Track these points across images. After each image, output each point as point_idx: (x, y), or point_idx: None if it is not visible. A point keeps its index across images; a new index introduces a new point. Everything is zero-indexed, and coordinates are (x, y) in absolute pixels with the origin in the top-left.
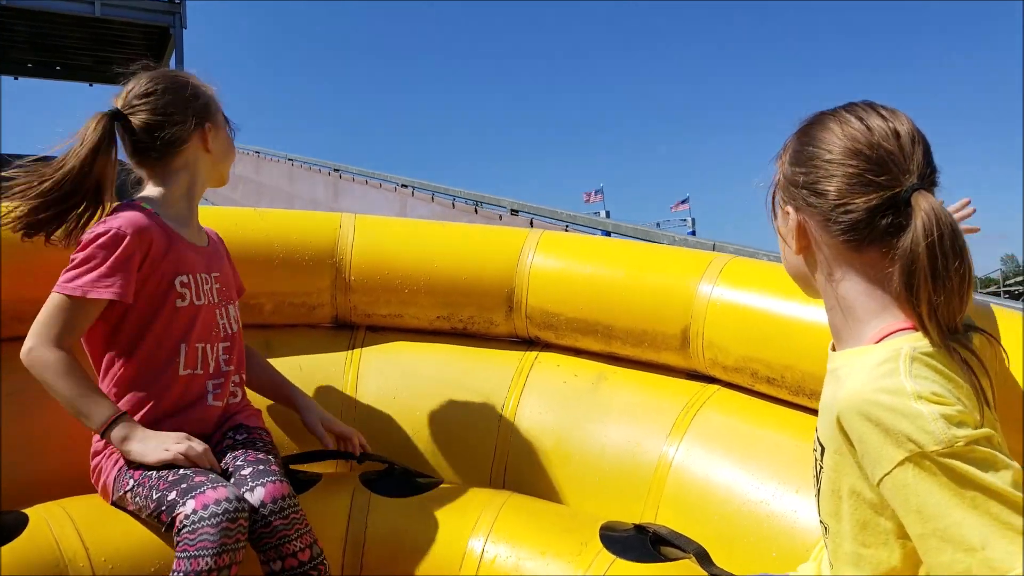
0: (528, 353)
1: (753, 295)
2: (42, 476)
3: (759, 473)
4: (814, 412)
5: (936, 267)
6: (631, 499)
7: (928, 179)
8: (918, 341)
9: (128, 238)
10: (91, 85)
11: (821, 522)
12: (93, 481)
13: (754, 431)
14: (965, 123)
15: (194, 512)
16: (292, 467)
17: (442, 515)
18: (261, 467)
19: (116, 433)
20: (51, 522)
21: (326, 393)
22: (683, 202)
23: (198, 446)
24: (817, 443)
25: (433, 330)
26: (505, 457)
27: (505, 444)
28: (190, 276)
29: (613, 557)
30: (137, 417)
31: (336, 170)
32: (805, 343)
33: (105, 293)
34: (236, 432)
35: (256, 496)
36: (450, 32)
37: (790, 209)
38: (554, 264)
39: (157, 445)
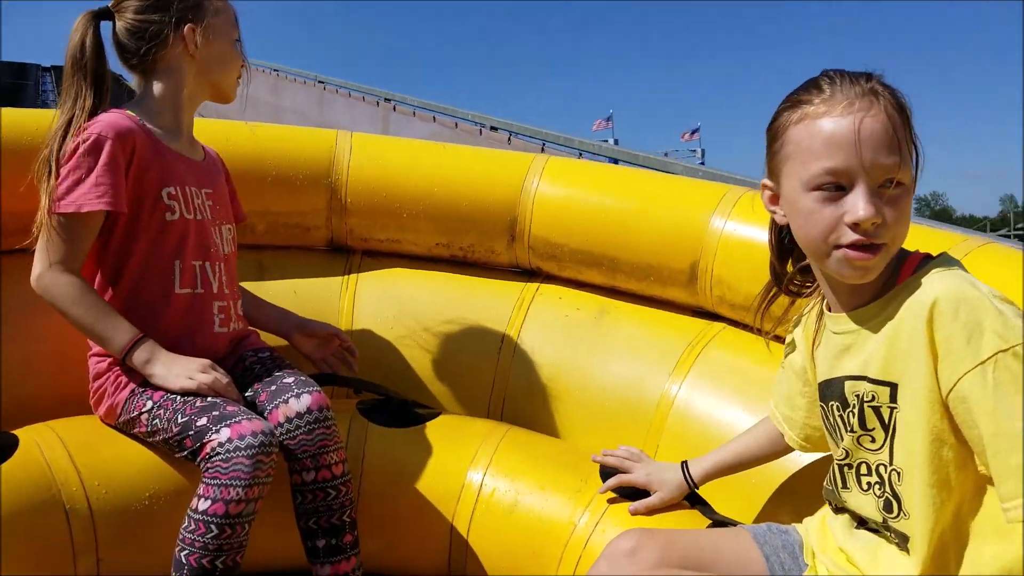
0: (529, 284)
1: (767, 231)
2: (32, 396)
3: (761, 411)
4: None
5: None
6: (631, 436)
7: None
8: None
9: (109, 142)
10: None
11: (874, 478)
12: (92, 403)
13: (759, 371)
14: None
15: (229, 440)
16: None
17: (440, 446)
18: (303, 377)
19: (138, 356)
20: (42, 444)
21: (321, 318)
22: (694, 132)
23: (223, 378)
24: (859, 398)
25: (432, 257)
26: (504, 389)
27: (504, 376)
28: (178, 188)
29: (613, 495)
30: None
31: (320, 82)
32: None
33: (98, 204)
34: (258, 351)
35: (303, 403)
36: None
37: (765, 181)
38: (560, 192)
39: (181, 371)
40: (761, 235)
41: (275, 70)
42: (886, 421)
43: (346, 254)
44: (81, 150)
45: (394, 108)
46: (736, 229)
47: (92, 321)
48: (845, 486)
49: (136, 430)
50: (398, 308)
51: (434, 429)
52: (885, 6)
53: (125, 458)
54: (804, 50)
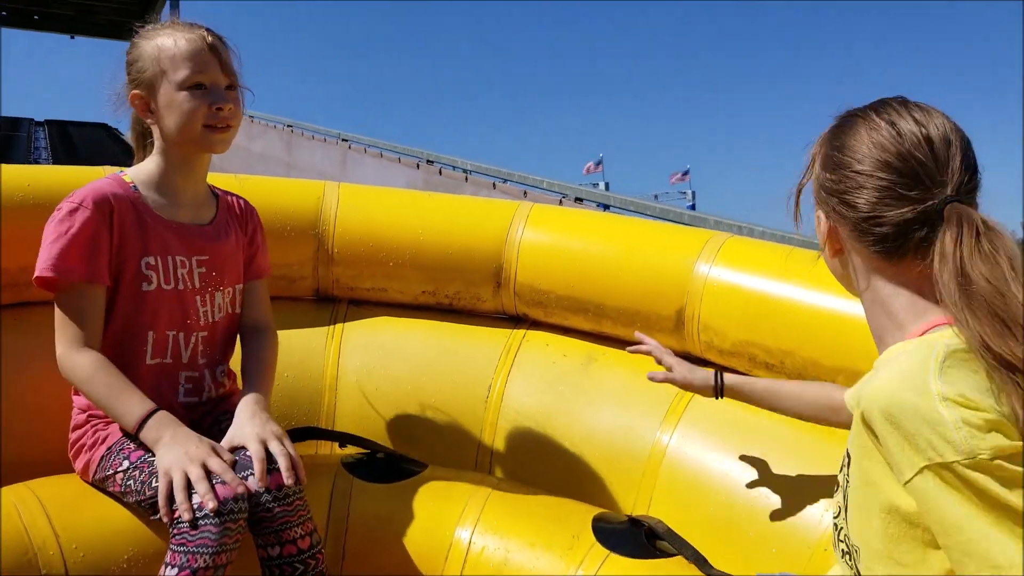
0: (516, 331)
1: (752, 276)
2: (14, 454)
3: (758, 464)
4: None
5: (964, 284)
6: (623, 488)
7: (965, 188)
8: (950, 336)
9: (88, 212)
10: (72, 37)
11: (845, 547)
12: (71, 456)
13: (751, 419)
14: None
15: (198, 508)
16: None
17: (427, 503)
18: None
19: (146, 435)
20: (20, 506)
21: (307, 370)
22: (684, 174)
23: (219, 467)
24: (845, 455)
25: (418, 305)
26: (492, 440)
27: (492, 427)
28: (158, 258)
29: (607, 552)
30: None
31: (345, 140)
32: (807, 328)
33: (71, 275)
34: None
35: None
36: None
37: (821, 214)
38: (544, 239)
39: (175, 460)
40: (747, 280)
41: (250, 116)
42: (844, 490)
43: (332, 304)
44: (57, 219)
45: (365, 150)
46: (721, 274)
47: (106, 400)
48: (836, 546)
49: (111, 488)
50: (384, 358)
51: (421, 484)
52: (873, 49)
53: (104, 519)
54: (793, 90)
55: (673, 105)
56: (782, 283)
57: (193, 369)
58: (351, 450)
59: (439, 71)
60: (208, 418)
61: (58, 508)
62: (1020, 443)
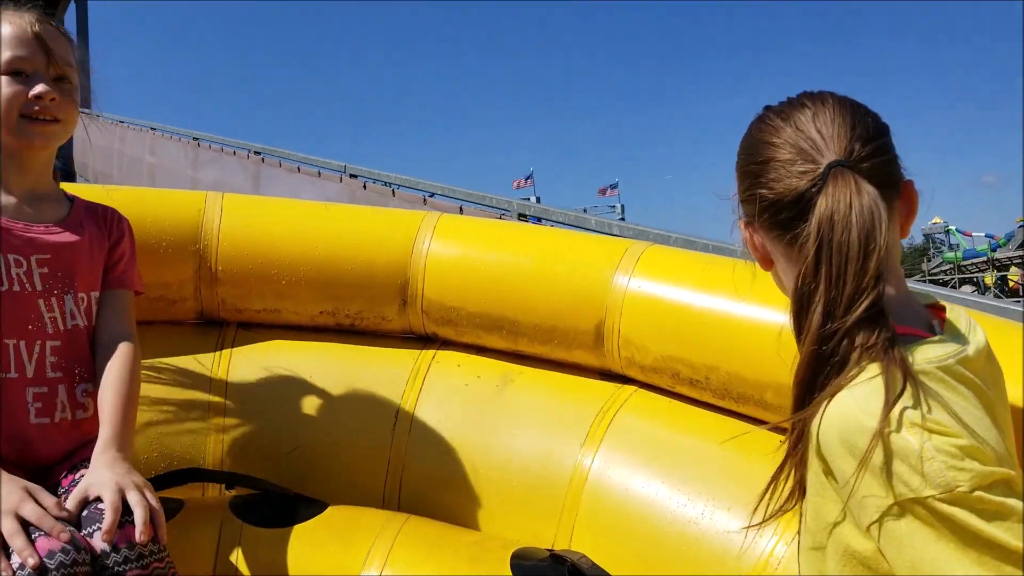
0: (425, 351)
1: (673, 288)
2: None
3: (685, 487)
4: (741, 416)
5: (820, 256)
6: (544, 518)
7: (857, 156)
8: (926, 352)
9: None
10: None
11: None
12: None
13: (677, 439)
14: None
15: (21, 568)
16: None
17: (329, 546)
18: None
19: None
20: None
21: (189, 402)
22: (613, 187)
23: (36, 521)
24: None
25: (316, 327)
26: (400, 472)
27: (400, 457)
28: None
29: None
30: None
31: (196, 139)
32: (732, 341)
33: None
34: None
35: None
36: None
37: (741, 224)
38: (453, 252)
39: None
40: (668, 291)
41: (152, 128)
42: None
43: (218, 327)
44: None
45: (280, 164)
46: (641, 286)
47: None
48: None
49: None
50: (278, 385)
51: (321, 525)
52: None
53: None
54: (727, 100)
55: (600, 118)
56: (704, 294)
57: (41, 384)
58: (241, 491)
59: (361, 84)
60: (69, 463)
61: None
62: (999, 469)
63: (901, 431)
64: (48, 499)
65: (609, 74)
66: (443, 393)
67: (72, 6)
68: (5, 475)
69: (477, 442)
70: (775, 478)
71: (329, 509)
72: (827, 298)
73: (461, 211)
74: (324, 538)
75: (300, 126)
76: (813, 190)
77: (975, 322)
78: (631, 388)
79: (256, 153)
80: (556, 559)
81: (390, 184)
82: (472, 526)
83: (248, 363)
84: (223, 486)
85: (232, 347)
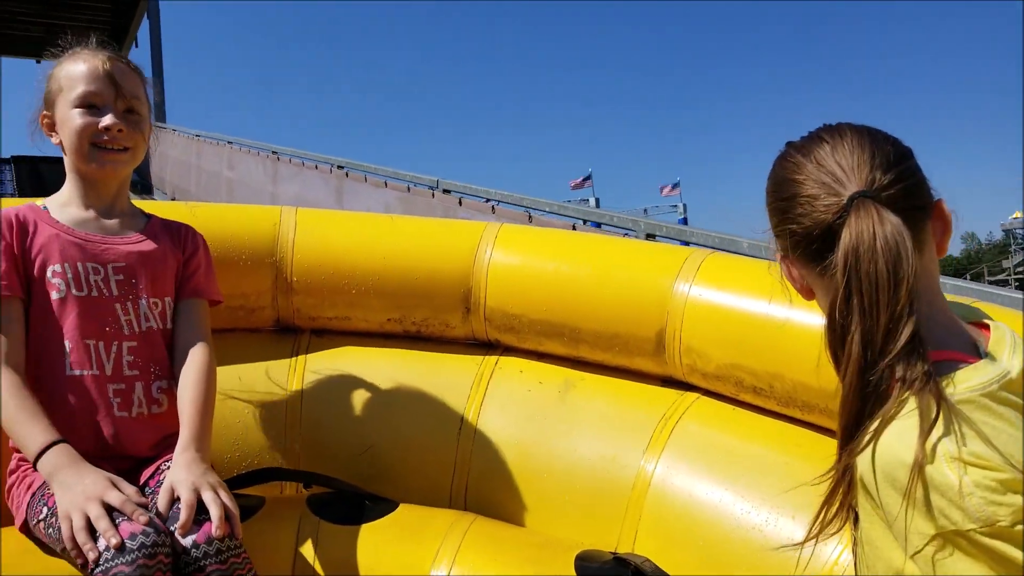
0: (488, 357)
1: (735, 295)
2: None
3: (749, 495)
4: (807, 425)
5: (851, 288)
6: (607, 522)
7: (879, 186)
8: (968, 379)
9: None
10: (39, 62)
11: None
12: (7, 502)
13: (741, 446)
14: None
15: (107, 548)
16: (234, 492)
17: (399, 543)
18: (200, 501)
19: (43, 466)
20: None
21: (268, 405)
22: (674, 186)
23: (119, 506)
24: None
25: (384, 333)
26: (466, 474)
27: (465, 460)
28: (66, 265)
29: None
30: None
31: (275, 152)
32: (796, 349)
33: None
34: (171, 461)
35: (190, 535)
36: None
37: (779, 259)
38: (514, 260)
39: (71, 501)
40: (729, 299)
41: (229, 142)
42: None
43: (294, 334)
44: None
45: (365, 179)
46: (702, 293)
47: (9, 423)
48: None
49: (39, 536)
50: (349, 389)
51: (392, 523)
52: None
53: (50, 573)
54: (785, 99)
55: (663, 117)
56: (766, 301)
57: (119, 381)
58: (317, 490)
59: (406, 88)
60: (157, 459)
61: (3, 562)
62: None
63: (940, 466)
64: (129, 488)
65: (670, 67)
66: (506, 398)
67: (146, 23)
68: (90, 466)
69: (540, 446)
70: (826, 503)
71: (400, 508)
72: (863, 327)
73: (530, 219)
74: (395, 536)
75: (370, 140)
76: (838, 222)
77: (1020, 338)
78: (693, 395)
79: (339, 167)
80: (620, 562)
81: (463, 195)
82: (536, 528)
83: (321, 368)
84: (301, 485)
85: (306, 353)
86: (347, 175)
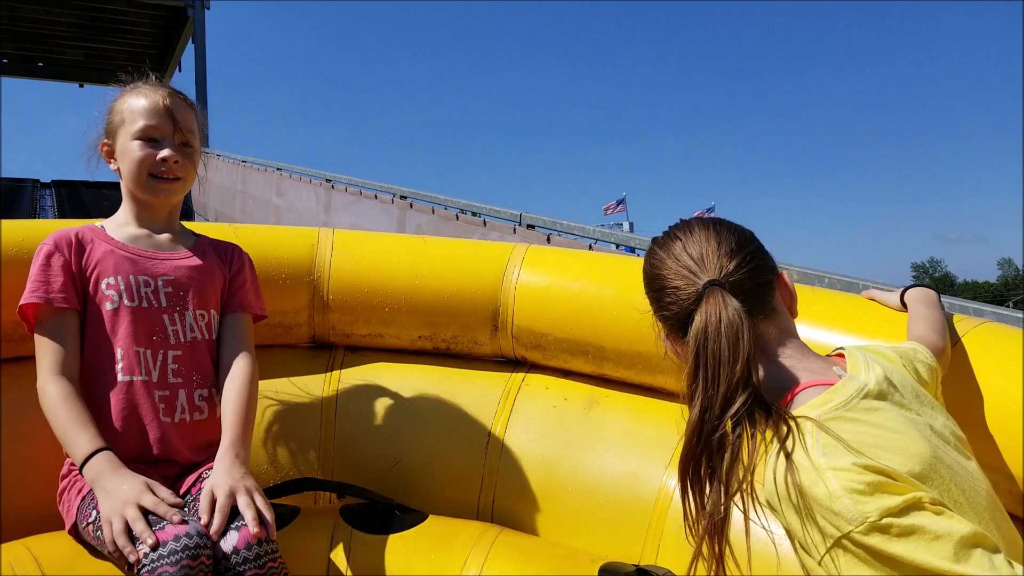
0: (515, 374)
1: None
2: (6, 514)
3: (770, 510)
4: None
5: (698, 363)
6: (630, 536)
7: (728, 273)
8: (829, 400)
9: (46, 249)
10: (81, 86)
11: None
12: (59, 506)
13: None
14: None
15: (152, 550)
16: (270, 501)
17: (429, 553)
18: (237, 508)
19: (87, 472)
20: (15, 565)
21: (303, 418)
22: (708, 211)
23: (152, 508)
24: None
25: (415, 350)
26: (493, 488)
27: (493, 474)
28: (119, 278)
29: None
30: None
31: (328, 180)
32: None
33: (30, 298)
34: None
35: (229, 541)
36: (450, 34)
37: (662, 335)
38: (541, 280)
39: (111, 506)
40: None
41: (278, 168)
42: None
43: (328, 350)
44: (34, 259)
45: (411, 205)
46: None
47: (61, 433)
48: None
49: (88, 540)
50: (381, 404)
51: (421, 534)
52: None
53: None
54: (820, 118)
55: (698, 140)
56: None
57: (164, 388)
58: (350, 500)
59: (439, 114)
60: (199, 466)
61: (52, 567)
62: (910, 494)
63: (813, 478)
64: (164, 491)
65: (702, 89)
66: (532, 414)
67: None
68: (130, 473)
69: (565, 461)
70: (694, 558)
71: (429, 519)
72: (703, 398)
73: (549, 240)
74: (424, 545)
75: (374, 159)
76: (695, 307)
77: (870, 357)
78: None
79: (402, 197)
80: (643, 574)
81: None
82: (561, 541)
83: (355, 383)
84: (334, 495)
85: (341, 368)
86: (411, 206)
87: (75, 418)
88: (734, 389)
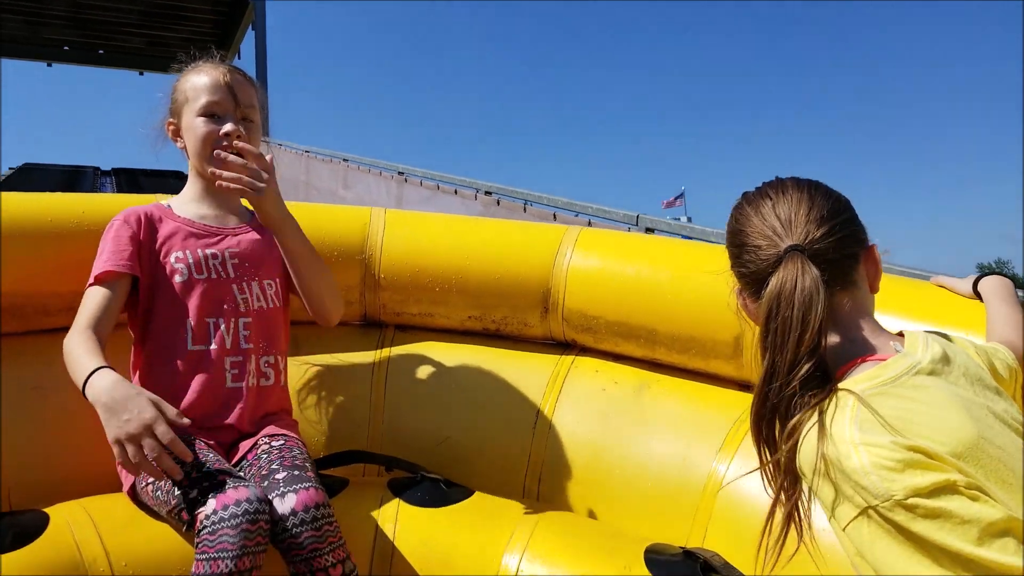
0: (564, 357)
1: None
2: (66, 473)
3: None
4: None
5: (768, 327)
6: (677, 520)
7: (812, 239)
8: (877, 375)
9: (118, 223)
10: (141, 73)
11: None
12: (118, 467)
13: None
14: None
15: (214, 512)
16: (321, 472)
17: (475, 528)
18: (296, 472)
19: (89, 395)
20: (72, 524)
21: (354, 394)
22: None
23: (165, 435)
24: None
25: (464, 330)
26: (539, 468)
27: (539, 454)
28: (187, 251)
29: None
30: None
31: (401, 173)
32: None
33: (102, 266)
34: (272, 438)
35: (287, 503)
36: (509, 27)
37: (735, 290)
38: (593, 263)
39: (118, 431)
40: None
41: (345, 159)
42: None
43: (379, 328)
44: (105, 232)
45: (498, 203)
46: None
47: (71, 368)
48: None
49: (147, 501)
50: (430, 382)
51: (467, 509)
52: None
53: (154, 539)
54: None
55: (759, 133)
56: None
57: (237, 354)
58: (397, 474)
59: (496, 105)
60: (255, 435)
61: (109, 526)
62: (938, 476)
63: (847, 451)
64: (170, 411)
65: (765, 81)
66: (581, 396)
67: (251, 35)
68: (133, 391)
69: (613, 444)
70: (769, 518)
71: (475, 495)
72: (769, 361)
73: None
74: (470, 521)
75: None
76: (773, 269)
77: (932, 338)
78: None
79: (488, 193)
80: (689, 555)
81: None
82: (607, 521)
83: (404, 361)
84: (383, 468)
85: (391, 347)
86: (498, 203)
87: (82, 348)
88: (801, 356)
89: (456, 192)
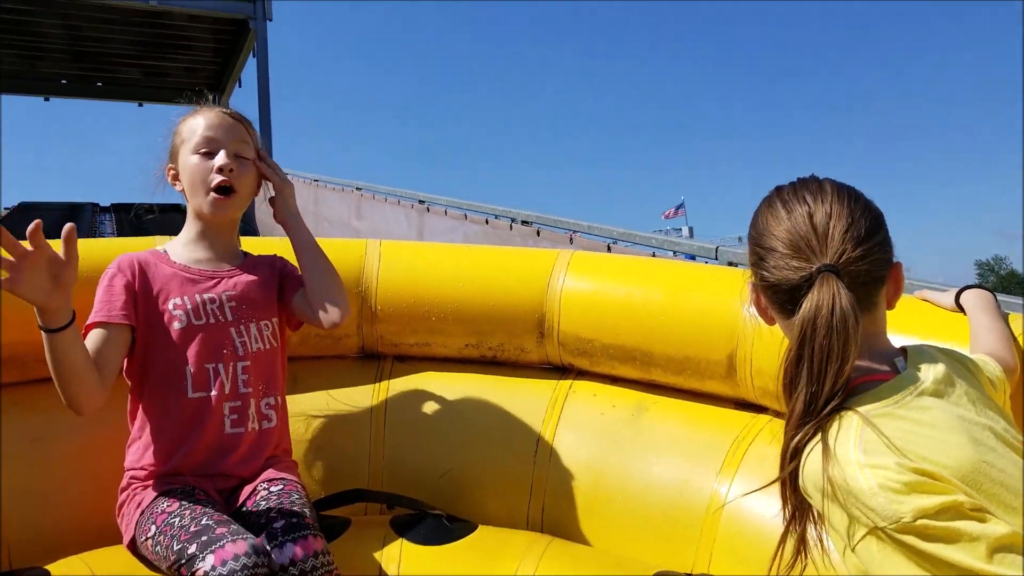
0: (562, 381)
1: None
2: (66, 525)
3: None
4: None
5: (803, 353)
6: (681, 544)
7: (848, 258)
8: (881, 396)
9: (111, 271)
10: (140, 105)
11: None
12: (117, 520)
13: None
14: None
15: (213, 568)
16: (322, 513)
17: (479, 564)
18: (294, 520)
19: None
20: None
21: (353, 428)
22: None
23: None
24: None
25: (462, 358)
26: (542, 496)
27: (542, 482)
28: (185, 298)
29: None
30: (153, 448)
31: (422, 201)
32: None
33: (90, 320)
34: (271, 483)
35: (286, 554)
36: (503, 34)
37: (750, 285)
38: (586, 286)
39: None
40: None
41: (358, 188)
42: None
43: (377, 360)
44: (100, 281)
45: (538, 233)
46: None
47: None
48: None
49: (145, 554)
50: (429, 414)
51: (471, 544)
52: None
53: None
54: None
55: (755, 138)
56: None
57: (236, 399)
58: (400, 511)
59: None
60: (255, 479)
61: None
62: (944, 498)
63: (853, 472)
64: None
65: (763, 90)
66: (580, 421)
67: (253, 61)
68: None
69: (614, 469)
70: (781, 543)
71: (479, 529)
72: (807, 392)
73: (609, 249)
74: (475, 556)
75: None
76: (804, 286)
77: (935, 354)
78: (766, 417)
79: (525, 223)
80: None
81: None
82: (611, 549)
83: (403, 393)
84: (384, 506)
85: (389, 378)
86: (538, 233)
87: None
88: (839, 388)
89: (487, 222)
